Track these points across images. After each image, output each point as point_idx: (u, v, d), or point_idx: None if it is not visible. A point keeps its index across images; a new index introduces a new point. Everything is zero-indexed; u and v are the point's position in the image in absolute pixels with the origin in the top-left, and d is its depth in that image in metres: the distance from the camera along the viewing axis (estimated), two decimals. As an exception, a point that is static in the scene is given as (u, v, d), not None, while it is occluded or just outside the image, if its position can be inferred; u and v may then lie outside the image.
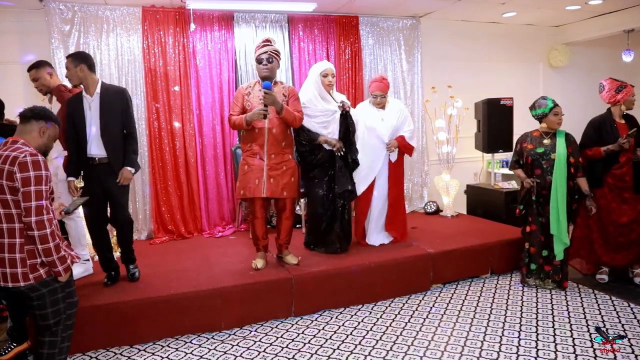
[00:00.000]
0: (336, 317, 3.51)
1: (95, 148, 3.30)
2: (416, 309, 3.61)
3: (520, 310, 3.51)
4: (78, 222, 3.57)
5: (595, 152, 3.90)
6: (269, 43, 3.56)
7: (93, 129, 3.28)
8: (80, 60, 3.27)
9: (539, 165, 3.78)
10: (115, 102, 3.33)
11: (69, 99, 3.38)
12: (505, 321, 3.35)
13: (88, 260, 3.66)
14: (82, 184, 3.37)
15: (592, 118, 4.07)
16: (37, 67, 3.51)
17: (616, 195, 3.88)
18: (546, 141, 3.79)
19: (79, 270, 3.50)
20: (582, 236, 4.03)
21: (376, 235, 4.27)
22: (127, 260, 3.55)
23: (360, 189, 4.09)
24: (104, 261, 3.48)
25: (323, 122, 3.90)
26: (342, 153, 3.86)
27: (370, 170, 4.12)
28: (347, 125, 3.90)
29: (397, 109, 4.21)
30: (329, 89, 3.96)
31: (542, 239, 3.84)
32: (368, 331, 3.28)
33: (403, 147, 4.18)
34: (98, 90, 3.30)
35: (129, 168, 3.36)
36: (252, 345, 3.14)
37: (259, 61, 3.54)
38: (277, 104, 3.43)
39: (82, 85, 3.33)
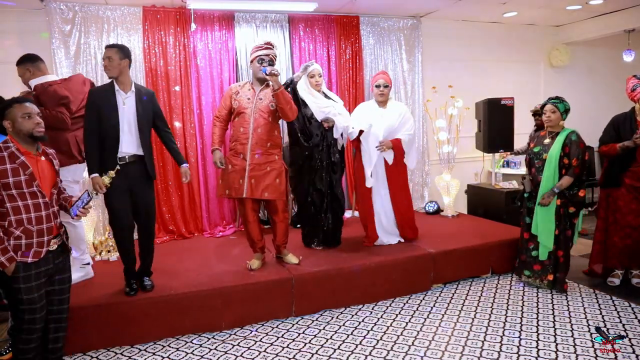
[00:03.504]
0: (337, 317, 3.52)
1: (128, 146, 3.13)
2: (417, 309, 3.61)
3: (521, 310, 3.51)
4: (78, 227, 3.49)
5: (611, 149, 3.74)
6: (271, 47, 3.62)
7: (126, 126, 3.13)
8: (126, 54, 3.16)
9: (534, 165, 3.81)
10: (148, 102, 3.24)
11: (94, 90, 3.23)
12: (506, 321, 3.35)
13: (88, 264, 3.61)
14: (110, 180, 2.91)
15: (614, 115, 3.89)
16: (19, 64, 3.43)
17: (634, 197, 3.71)
18: (546, 141, 3.77)
19: (79, 275, 3.45)
20: (600, 240, 3.94)
21: (385, 237, 4.25)
22: (145, 273, 3.38)
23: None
24: (130, 273, 3.30)
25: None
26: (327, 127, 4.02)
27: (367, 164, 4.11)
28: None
29: (399, 110, 4.18)
30: (317, 88, 4.12)
31: (527, 237, 3.89)
32: (369, 331, 3.28)
33: (397, 150, 4.10)
34: (133, 88, 3.20)
35: (186, 165, 3.37)
36: (253, 345, 3.14)
37: (260, 60, 3.55)
38: (277, 83, 3.45)
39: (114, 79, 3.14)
